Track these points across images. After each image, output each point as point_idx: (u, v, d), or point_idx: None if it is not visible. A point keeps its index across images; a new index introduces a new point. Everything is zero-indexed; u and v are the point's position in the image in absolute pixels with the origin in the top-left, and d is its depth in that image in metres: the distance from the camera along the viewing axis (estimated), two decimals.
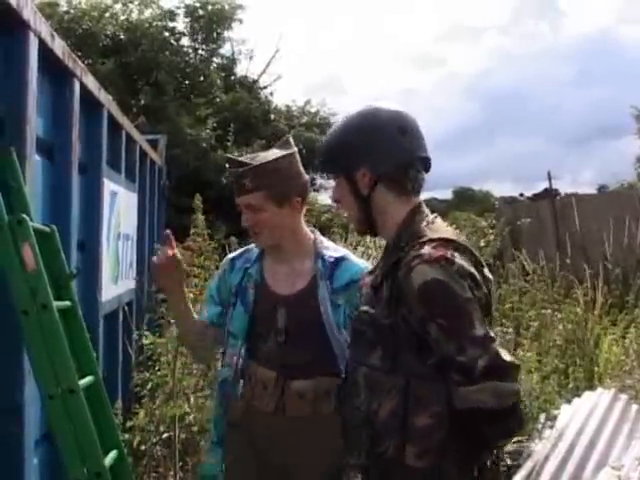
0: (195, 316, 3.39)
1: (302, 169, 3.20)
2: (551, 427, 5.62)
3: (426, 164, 2.58)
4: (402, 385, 2.30)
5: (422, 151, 2.55)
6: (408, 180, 2.52)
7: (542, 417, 5.92)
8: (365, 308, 2.49)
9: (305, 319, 3.11)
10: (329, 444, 2.77)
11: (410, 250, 2.35)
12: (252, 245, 3.37)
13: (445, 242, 2.35)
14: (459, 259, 2.30)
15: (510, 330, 7.23)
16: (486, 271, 2.43)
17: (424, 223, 2.47)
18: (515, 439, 5.65)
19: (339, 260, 3.17)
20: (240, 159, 3.20)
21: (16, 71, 3.01)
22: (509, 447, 5.53)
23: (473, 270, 2.33)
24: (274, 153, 3.19)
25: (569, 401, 6.08)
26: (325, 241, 3.28)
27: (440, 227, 2.48)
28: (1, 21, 2.89)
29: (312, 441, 3.03)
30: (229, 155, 3.35)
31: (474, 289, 2.30)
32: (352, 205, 2.56)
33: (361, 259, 3.45)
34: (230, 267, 3.33)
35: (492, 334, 2.28)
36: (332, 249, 3.24)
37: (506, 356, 2.26)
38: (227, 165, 3.27)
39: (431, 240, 2.35)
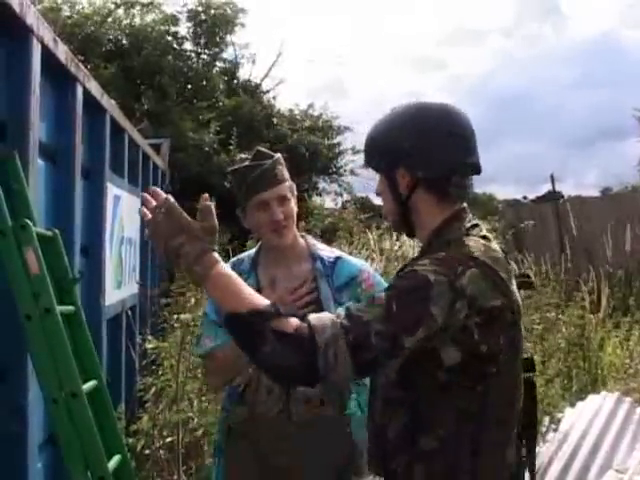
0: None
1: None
2: (555, 430, 5.63)
3: (474, 168, 2.42)
4: (412, 402, 2.21)
5: (470, 156, 2.38)
6: (451, 186, 2.35)
7: (546, 420, 5.91)
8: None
9: None
10: (332, 447, 2.76)
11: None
12: (243, 255, 3.34)
13: (462, 257, 2.17)
14: (468, 278, 2.11)
15: None
16: (514, 295, 2.24)
17: (458, 233, 2.31)
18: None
19: (337, 259, 3.18)
20: (267, 151, 3.19)
21: (19, 76, 3.02)
22: None
23: (479, 295, 2.12)
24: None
25: (573, 404, 6.08)
26: (318, 243, 3.29)
27: (470, 241, 2.27)
28: (5, 27, 2.90)
29: (315, 444, 3.01)
30: (259, 147, 3.30)
31: (462, 311, 2.10)
32: (390, 203, 2.41)
33: (357, 258, 3.45)
34: None
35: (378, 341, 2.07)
36: (327, 250, 3.24)
37: None
38: (255, 158, 3.20)
39: (449, 254, 2.19)
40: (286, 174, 3.14)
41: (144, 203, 2.26)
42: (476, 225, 2.39)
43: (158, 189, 2.28)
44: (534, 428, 2.45)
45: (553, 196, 17.74)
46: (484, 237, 2.34)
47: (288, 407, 3.07)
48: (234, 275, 2.21)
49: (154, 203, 2.24)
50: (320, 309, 3.04)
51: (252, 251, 3.34)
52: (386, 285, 2.49)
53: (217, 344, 3.18)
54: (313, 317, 2.13)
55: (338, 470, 2.71)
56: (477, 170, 2.43)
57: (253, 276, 3.20)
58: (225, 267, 2.21)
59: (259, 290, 3.15)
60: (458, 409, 2.17)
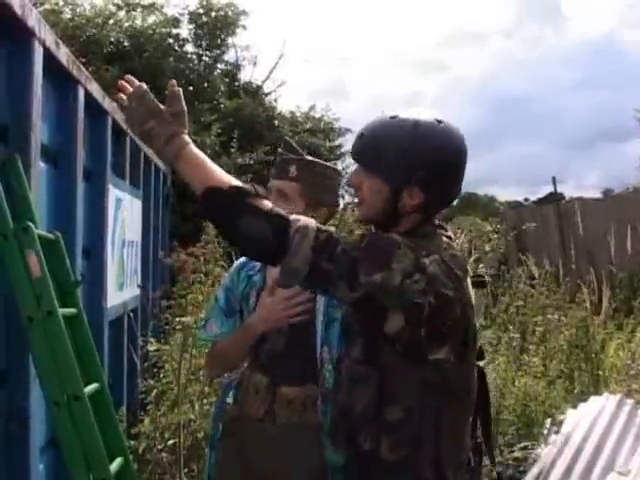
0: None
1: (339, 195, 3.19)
2: (557, 432, 5.62)
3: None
4: (376, 377, 2.26)
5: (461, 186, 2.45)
6: (438, 211, 2.45)
7: (548, 422, 5.93)
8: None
9: (301, 328, 3.10)
10: (316, 453, 2.75)
11: None
12: None
13: (427, 249, 2.23)
14: (431, 265, 2.18)
15: (516, 335, 7.22)
16: (467, 292, 2.30)
17: (429, 229, 2.38)
18: (521, 445, 5.67)
19: None
20: (297, 147, 3.20)
21: (21, 78, 3.02)
22: (516, 453, 5.54)
23: (441, 279, 2.18)
24: (322, 161, 3.24)
25: (575, 406, 6.08)
26: None
27: (433, 239, 2.34)
28: (6, 29, 2.90)
29: (299, 450, 3.01)
30: (288, 139, 3.32)
31: (419, 284, 2.15)
32: (376, 208, 2.39)
33: None
34: (237, 276, 3.30)
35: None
36: None
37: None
38: (282, 147, 3.23)
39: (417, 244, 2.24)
40: (306, 178, 3.10)
41: (120, 89, 2.40)
42: (441, 226, 2.46)
43: (132, 77, 2.44)
44: (489, 416, 2.55)
45: (555, 198, 17.76)
46: (448, 237, 2.41)
47: (273, 409, 3.08)
48: (206, 157, 2.35)
49: (130, 90, 2.41)
50: (312, 320, 3.06)
51: None
52: None
53: (222, 332, 3.25)
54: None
55: (319, 476, 2.71)
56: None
57: (261, 274, 3.22)
58: (196, 149, 2.36)
59: (262, 288, 3.17)
60: (423, 380, 2.22)
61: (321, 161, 3.25)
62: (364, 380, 2.29)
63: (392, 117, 2.38)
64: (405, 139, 2.31)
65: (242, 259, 3.37)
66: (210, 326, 3.31)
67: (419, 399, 2.23)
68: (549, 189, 19.16)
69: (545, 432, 5.79)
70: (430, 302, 2.15)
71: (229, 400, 3.19)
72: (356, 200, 2.50)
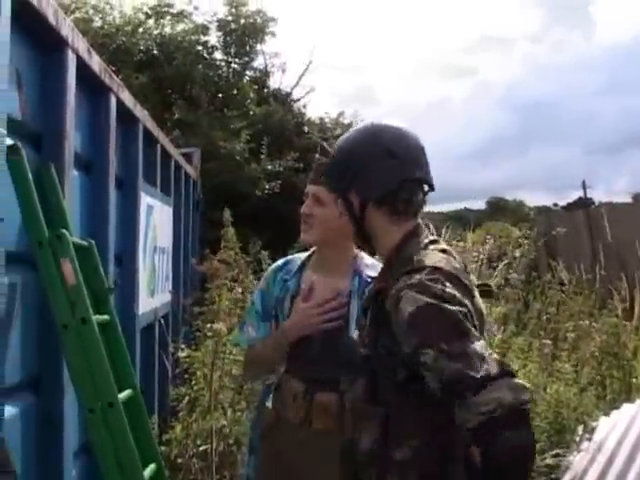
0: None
1: None
2: (589, 439, 5.58)
3: (425, 183, 2.52)
4: (382, 417, 2.26)
5: (417, 172, 2.47)
6: (399, 203, 2.45)
7: (580, 429, 5.87)
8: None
9: (335, 334, 3.10)
10: None
11: (398, 279, 2.27)
12: (296, 255, 3.37)
13: (435, 270, 2.25)
14: (450, 289, 2.21)
15: (548, 342, 7.18)
16: (477, 301, 2.35)
17: (416, 249, 2.39)
18: (553, 452, 5.63)
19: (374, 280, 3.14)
20: (326, 148, 3.22)
21: (55, 87, 3.04)
22: (547, 460, 5.50)
23: (465, 301, 2.23)
24: None
25: (607, 413, 6.03)
26: (367, 258, 3.22)
27: (431, 253, 2.36)
28: (40, 39, 2.92)
29: (334, 456, 3.02)
30: (322, 143, 3.36)
31: (462, 313, 2.18)
32: (351, 223, 2.55)
33: None
34: (272, 279, 3.32)
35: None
36: (371, 267, 3.17)
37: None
38: (317, 151, 3.27)
39: (421, 268, 2.26)
40: None
41: None
42: (435, 241, 2.48)
43: None
44: None
45: (584, 203, 17.66)
46: (444, 251, 2.42)
47: (310, 415, 3.08)
48: None
49: None
50: (346, 327, 3.06)
51: (305, 253, 3.36)
52: None
53: (258, 336, 3.30)
54: None
55: None
56: (428, 184, 2.54)
57: (296, 279, 3.25)
58: None
59: (297, 294, 3.18)
60: (433, 418, 2.21)
61: None
62: (368, 418, 2.30)
63: None
64: (339, 150, 2.56)
65: (278, 262, 3.39)
66: (247, 329, 3.36)
67: (428, 437, 2.22)
68: (578, 194, 19.10)
69: (577, 439, 5.74)
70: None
71: (268, 404, 3.20)
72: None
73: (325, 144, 3.30)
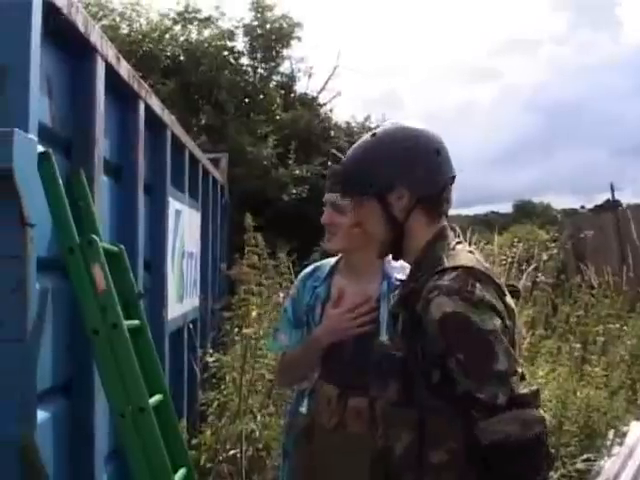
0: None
1: None
2: (620, 444, 5.54)
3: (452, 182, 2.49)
4: (417, 420, 2.23)
5: (453, 170, 2.46)
6: (443, 202, 2.44)
7: (611, 434, 5.83)
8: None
9: (367, 338, 3.09)
10: None
11: (428, 281, 2.26)
12: (325, 261, 3.38)
13: (465, 271, 2.23)
14: (480, 290, 2.20)
15: (577, 345, 7.13)
16: (508, 299, 2.33)
17: (445, 249, 2.36)
18: (584, 456, 5.59)
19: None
20: (337, 155, 3.23)
21: (84, 94, 3.07)
22: (578, 465, 5.46)
23: (495, 302, 2.22)
24: None
25: (638, 417, 5.99)
26: (393, 261, 3.23)
27: (461, 253, 2.35)
28: (70, 46, 2.94)
29: (367, 461, 3.03)
30: (333, 151, 3.38)
31: (495, 318, 2.19)
32: (379, 229, 2.46)
33: None
34: (302, 286, 3.35)
35: (516, 367, 2.18)
36: (399, 270, 3.16)
37: (524, 389, 2.17)
38: (330, 159, 3.30)
39: (450, 269, 2.25)
40: None
41: None
42: (460, 242, 2.45)
43: None
44: None
45: (612, 205, 17.52)
46: (470, 252, 2.41)
47: (344, 420, 3.08)
48: None
49: None
50: (377, 330, 3.06)
51: (333, 259, 3.37)
52: None
53: (290, 343, 3.33)
54: None
55: None
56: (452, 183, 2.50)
57: (325, 285, 3.27)
58: None
59: (327, 300, 3.19)
60: (468, 423, 2.17)
61: None
62: (402, 424, 2.27)
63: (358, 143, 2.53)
64: (369, 152, 2.45)
65: (307, 269, 3.40)
66: (279, 337, 3.39)
67: (465, 439, 2.18)
68: (604, 196, 18.92)
69: (608, 444, 5.70)
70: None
71: (302, 409, 3.21)
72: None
73: (336, 152, 3.32)
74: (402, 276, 3.03)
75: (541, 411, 2.20)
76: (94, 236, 2.79)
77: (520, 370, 2.22)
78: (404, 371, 2.27)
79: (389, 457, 2.30)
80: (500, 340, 2.16)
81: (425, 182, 2.38)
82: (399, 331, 2.35)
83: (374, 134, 2.48)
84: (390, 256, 3.18)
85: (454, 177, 2.47)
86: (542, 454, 2.16)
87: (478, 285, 2.20)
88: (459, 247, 2.40)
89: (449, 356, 2.16)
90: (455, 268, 2.25)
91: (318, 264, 3.43)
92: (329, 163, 3.28)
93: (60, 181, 2.66)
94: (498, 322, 2.19)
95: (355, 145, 2.51)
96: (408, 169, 2.37)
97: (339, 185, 2.88)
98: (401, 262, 3.17)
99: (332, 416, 3.10)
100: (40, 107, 2.57)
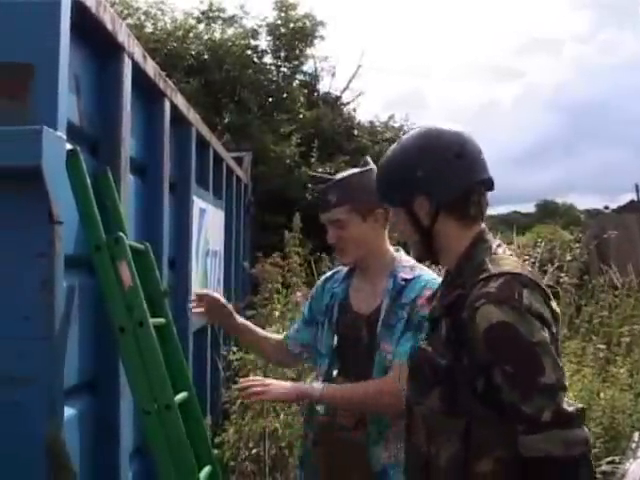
0: (259, 331, 3.61)
1: None
2: None
3: (488, 185, 2.46)
4: (462, 429, 2.19)
5: (483, 173, 2.42)
6: (471, 206, 2.40)
7: (636, 436, 5.78)
8: (423, 345, 2.42)
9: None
10: None
11: (473, 287, 2.22)
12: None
13: (512, 277, 2.20)
14: (527, 298, 2.16)
15: (602, 346, 7.08)
16: (554, 304, 2.29)
17: (487, 254, 2.34)
18: (609, 459, 5.55)
19: (409, 281, 3.14)
20: (323, 175, 3.26)
21: (111, 93, 3.08)
22: (602, 467, 5.43)
23: (542, 309, 2.19)
24: (354, 170, 3.27)
25: None
26: (405, 260, 3.23)
27: (504, 258, 2.32)
28: (98, 45, 2.96)
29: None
30: (312, 172, 3.42)
31: (542, 329, 2.15)
32: (412, 234, 2.47)
33: (434, 274, 3.28)
34: (322, 288, 3.42)
35: (563, 381, 2.15)
36: (408, 269, 3.18)
37: (570, 407, 2.14)
38: (311, 183, 3.36)
39: (497, 275, 2.21)
40: (347, 195, 3.15)
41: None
42: (500, 245, 2.43)
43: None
44: None
45: (636, 205, 17.41)
46: (512, 255, 2.39)
47: (364, 418, 3.08)
48: None
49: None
50: (375, 325, 3.09)
51: None
52: None
53: (297, 335, 3.48)
54: None
55: None
56: (491, 186, 2.47)
57: (343, 286, 3.32)
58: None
59: (344, 300, 3.22)
60: (514, 432, 2.14)
61: (349, 171, 3.29)
62: (447, 433, 2.23)
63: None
64: (389, 166, 2.48)
65: (327, 273, 3.48)
66: (291, 327, 3.59)
67: (511, 448, 2.14)
68: (628, 197, 18.73)
69: (633, 446, 5.66)
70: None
71: (319, 408, 3.20)
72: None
73: (315, 173, 3.36)
74: (409, 275, 3.14)
75: (586, 430, 2.17)
76: (121, 234, 2.80)
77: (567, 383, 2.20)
78: (449, 379, 2.26)
79: (432, 466, 2.28)
80: (547, 352, 2.13)
81: (443, 188, 2.37)
82: (443, 337, 2.33)
83: (399, 142, 2.50)
84: (401, 257, 3.22)
85: (485, 180, 2.44)
86: (584, 475, 2.13)
87: (525, 292, 2.17)
88: (500, 250, 2.38)
89: (495, 367, 2.14)
90: (501, 274, 2.21)
91: (337, 268, 3.49)
92: (312, 186, 3.33)
93: (87, 179, 2.67)
94: (546, 333, 2.15)
95: (388, 154, 2.51)
96: (424, 178, 2.37)
97: (326, 204, 3.12)
98: (411, 262, 3.19)
99: (352, 415, 3.10)
100: (68, 105, 2.59)
